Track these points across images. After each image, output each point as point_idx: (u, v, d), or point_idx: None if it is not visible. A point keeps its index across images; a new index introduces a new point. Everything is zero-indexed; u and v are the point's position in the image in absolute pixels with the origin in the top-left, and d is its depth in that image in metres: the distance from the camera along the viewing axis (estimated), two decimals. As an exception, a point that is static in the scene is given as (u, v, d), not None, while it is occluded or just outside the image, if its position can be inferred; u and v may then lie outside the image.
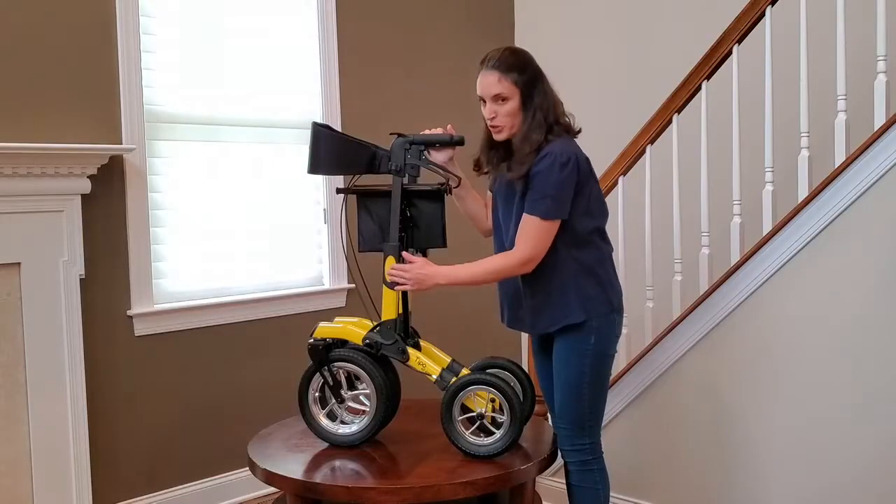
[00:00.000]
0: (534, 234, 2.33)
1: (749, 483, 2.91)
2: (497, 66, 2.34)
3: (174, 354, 3.44)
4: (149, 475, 3.36)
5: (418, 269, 2.40)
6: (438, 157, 2.52)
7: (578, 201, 2.38)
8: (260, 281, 3.75)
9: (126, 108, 3.26)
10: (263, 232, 3.77)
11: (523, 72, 2.34)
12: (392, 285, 2.43)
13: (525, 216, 2.34)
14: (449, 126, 2.56)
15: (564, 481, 2.66)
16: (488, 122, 2.43)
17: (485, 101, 2.41)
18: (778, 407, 2.84)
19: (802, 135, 2.84)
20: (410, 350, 2.46)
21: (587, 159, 2.42)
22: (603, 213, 2.49)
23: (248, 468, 2.51)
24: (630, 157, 3.27)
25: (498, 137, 2.43)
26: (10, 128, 2.97)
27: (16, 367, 2.96)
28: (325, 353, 2.48)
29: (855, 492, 2.68)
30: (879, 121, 2.63)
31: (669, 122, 3.16)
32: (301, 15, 3.88)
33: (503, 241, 2.52)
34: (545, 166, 2.32)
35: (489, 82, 2.35)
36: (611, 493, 2.61)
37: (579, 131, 2.46)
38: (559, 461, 2.55)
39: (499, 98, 2.36)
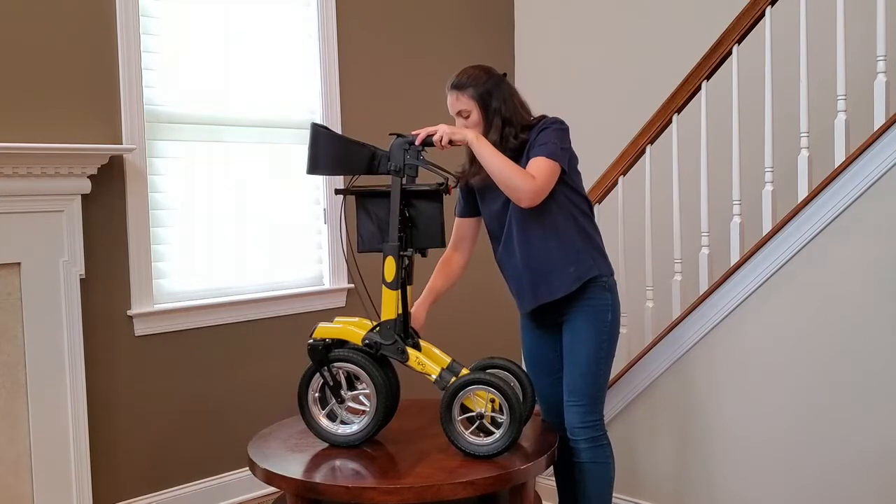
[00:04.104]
0: (541, 170, 2.44)
1: (752, 482, 2.91)
2: (455, 87, 2.56)
3: (174, 354, 3.45)
4: (149, 475, 3.37)
5: (447, 125, 2.49)
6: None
7: (575, 175, 2.59)
8: (260, 281, 3.75)
9: (126, 108, 3.26)
10: (263, 232, 3.77)
11: (477, 85, 2.54)
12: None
13: (532, 159, 2.46)
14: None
15: (554, 475, 2.68)
16: None
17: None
18: (780, 405, 2.83)
19: (802, 135, 2.84)
20: (410, 350, 2.46)
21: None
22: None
23: (248, 468, 2.51)
24: (630, 157, 3.27)
25: None
26: (10, 128, 2.97)
27: (16, 366, 2.96)
28: (324, 353, 2.49)
29: (860, 482, 2.68)
30: (879, 121, 2.63)
31: (669, 122, 3.16)
32: (301, 15, 3.89)
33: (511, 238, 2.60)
34: (540, 132, 2.50)
35: (451, 102, 2.59)
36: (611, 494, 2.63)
37: None
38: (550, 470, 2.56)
39: (462, 113, 2.57)
